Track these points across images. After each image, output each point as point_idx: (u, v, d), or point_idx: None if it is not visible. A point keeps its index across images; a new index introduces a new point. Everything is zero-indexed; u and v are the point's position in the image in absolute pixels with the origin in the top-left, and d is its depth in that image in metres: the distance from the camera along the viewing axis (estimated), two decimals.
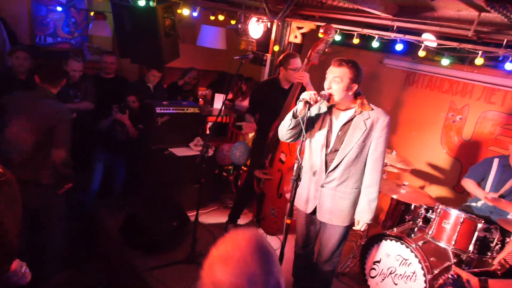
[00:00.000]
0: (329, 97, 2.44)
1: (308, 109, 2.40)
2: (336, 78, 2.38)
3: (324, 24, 3.02)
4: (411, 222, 3.44)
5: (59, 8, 5.22)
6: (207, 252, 1.03)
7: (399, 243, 3.21)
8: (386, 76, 4.96)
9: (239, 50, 4.73)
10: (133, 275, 3.18)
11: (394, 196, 3.47)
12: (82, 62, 3.90)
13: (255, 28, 4.06)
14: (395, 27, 3.24)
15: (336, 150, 2.51)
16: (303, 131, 2.40)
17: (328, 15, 3.68)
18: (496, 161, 3.68)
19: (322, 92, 2.44)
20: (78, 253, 3.44)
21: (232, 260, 0.94)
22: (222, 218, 4.26)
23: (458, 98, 4.40)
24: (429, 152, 4.65)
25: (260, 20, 3.99)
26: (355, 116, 2.46)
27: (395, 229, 3.39)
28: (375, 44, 3.36)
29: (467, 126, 4.35)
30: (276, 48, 4.13)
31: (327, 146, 2.54)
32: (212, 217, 4.34)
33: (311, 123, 2.60)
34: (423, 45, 3.06)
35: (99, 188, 3.98)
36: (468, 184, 3.77)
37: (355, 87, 2.40)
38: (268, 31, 4.17)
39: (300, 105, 2.41)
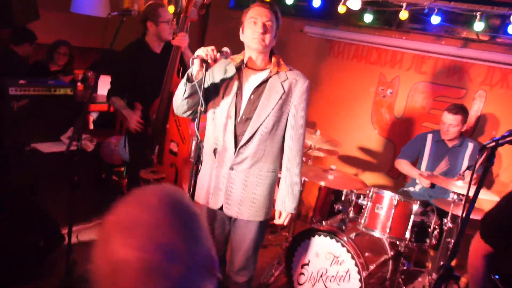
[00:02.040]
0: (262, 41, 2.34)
1: (206, 70, 2.29)
2: (268, 22, 2.35)
3: None
4: (341, 213, 3.51)
5: None
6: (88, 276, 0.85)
7: (328, 237, 3.23)
8: (308, 47, 5.06)
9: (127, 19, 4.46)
10: None
11: (322, 183, 3.51)
12: None
13: None
14: None
15: (248, 119, 2.43)
16: (201, 99, 2.29)
17: None
18: (429, 137, 3.94)
19: (224, 49, 2.35)
20: None
21: (138, 228, 0.79)
22: None
23: (388, 70, 4.64)
24: (360, 134, 4.83)
25: None
26: (270, 76, 2.43)
27: (324, 223, 3.43)
28: (288, 0, 3.37)
29: (399, 101, 4.60)
30: (171, 9, 3.97)
31: (236, 114, 2.45)
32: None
33: (214, 89, 2.49)
34: (342, 0, 3.14)
35: None
36: (402, 164, 3.98)
37: (276, 37, 2.44)
38: None
39: (195, 65, 2.29)
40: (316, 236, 3.29)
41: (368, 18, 3.34)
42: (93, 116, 5.86)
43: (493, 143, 1.61)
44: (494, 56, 4.03)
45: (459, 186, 3.09)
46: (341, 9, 3.21)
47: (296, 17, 5.02)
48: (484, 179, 1.61)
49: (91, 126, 5.79)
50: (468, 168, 3.72)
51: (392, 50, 4.58)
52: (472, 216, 3.26)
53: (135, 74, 3.36)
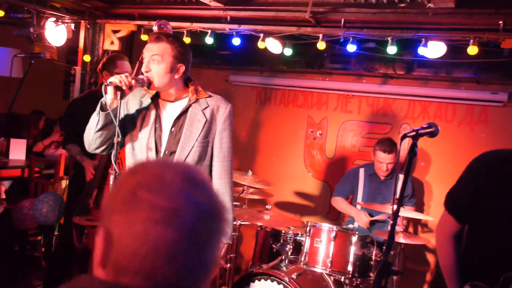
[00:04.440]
0: (149, 83, 2.33)
1: (121, 98, 2.24)
2: (155, 57, 2.29)
3: (160, 20, 3.01)
4: (281, 254, 3.44)
5: None
6: None
7: (269, 280, 3.12)
8: (235, 95, 5.16)
9: (39, 77, 4.36)
10: None
11: (259, 223, 3.47)
12: None
13: (54, 32, 3.82)
14: (228, 18, 3.43)
15: (172, 153, 2.37)
16: (117, 129, 2.22)
17: (150, 11, 3.71)
18: (362, 171, 4.06)
19: (140, 76, 2.32)
20: None
21: (163, 183, 0.80)
22: None
23: (315, 111, 4.82)
24: (294, 178, 4.88)
25: (60, 21, 3.78)
26: (190, 105, 2.40)
27: (263, 266, 3.33)
28: (209, 40, 3.48)
29: (329, 141, 4.75)
30: (87, 58, 3.93)
31: (157, 149, 2.38)
32: None
33: (131, 122, 2.42)
34: (261, 36, 3.29)
35: None
36: (338, 202, 4.04)
37: (182, 68, 2.35)
38: (75, 37, 3.98)
39: (109, 93, 2.24)
40: (256, 281, 3.17)
41: (287, 51, 3.50)
42: (5, 186, 5.48)
43: (413, 133, 1.68)
44: (412, 90, 4.34)
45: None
46: (261, 44, 3.35)
47: (221, 66, 5.16)
48: (410, 168, 1.65)
49: (3, 196, 5.40)
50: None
51: (318, 92, 4.79)
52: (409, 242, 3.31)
53: (86, 122, 3.29)
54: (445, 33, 2.84)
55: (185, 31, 3.59)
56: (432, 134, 1.72)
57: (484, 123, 4.17)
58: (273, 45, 3.77)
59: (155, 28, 3.10)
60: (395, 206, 3.15)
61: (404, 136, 1.68)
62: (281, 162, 4.95)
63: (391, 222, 1.60)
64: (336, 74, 4.69)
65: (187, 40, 3.61)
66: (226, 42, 4.41)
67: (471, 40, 2.68)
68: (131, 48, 4.19)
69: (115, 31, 3.91)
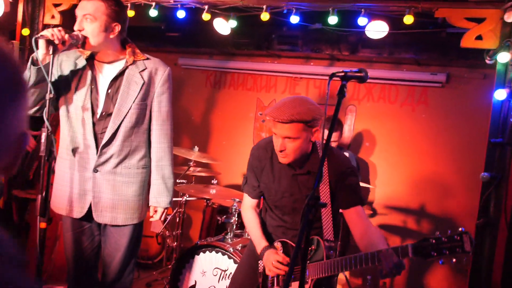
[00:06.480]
0: (83, 42, 2.27)
1: (53, 53, 2.16)
2: (88, 15, 2.23)
3: None
4: (226, 226, 3.43)
5: None
6: None
7: (213, 252, 3.11)
8: (184, 79, 5.13)
9: None
10: None
11: (205, 197, 3.46)
12: None
13: None
14: None
15: (109, 115, 2.32)
16: (49, 85, 2.14)
17: None
18: None
19: (74, 33, 2.26)
20: None
21: None
22: None
23: (264, 94, 4.85)
24: (244, 161, 4.84)
25: None
26: (127, 67, 2.35)
27: (209, 239, 3.32)
28: (153, 12, 3.43)
29: None
30: (26, 31, 3.79)
31: (94, 111, 2.33)
32: None
33: (65, 84, 2.35)
34: (206, 8, 3.28)
35: None
36: None
37: (117, 27, 2.30)
38: (13, 10, 3.82)
39: (40, 47, 2.15)
40: (201, 253, 3.16)
41: (232, 23, 3.50)
42: None
43: (342, 73, 1.71)
44: None
45: None
46: (205, 16, 3.34)
47: (169, 49, 5.10)
48: (338, 109, 1.68)
49: None
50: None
51: (266, 75, 4.83)
52: None
53: None
54: (382, 2, 2.92)
55: (128, 4, 3.52)
56: (361, 79, 1.76)
57: (425, 103, 4.32)
58: (220, 25, 3.77)
59: None
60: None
61: (332, 75, 1.71)
62: (231, 144, 4.95)
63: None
64: (284, 57, 4.74)
65: (131, 13, 3.55)
66: (175, 23, 4.37)
67: (407, 10, 2.78)
68: (64, 21, 4.05)
69: (56, 5, 3.78)
